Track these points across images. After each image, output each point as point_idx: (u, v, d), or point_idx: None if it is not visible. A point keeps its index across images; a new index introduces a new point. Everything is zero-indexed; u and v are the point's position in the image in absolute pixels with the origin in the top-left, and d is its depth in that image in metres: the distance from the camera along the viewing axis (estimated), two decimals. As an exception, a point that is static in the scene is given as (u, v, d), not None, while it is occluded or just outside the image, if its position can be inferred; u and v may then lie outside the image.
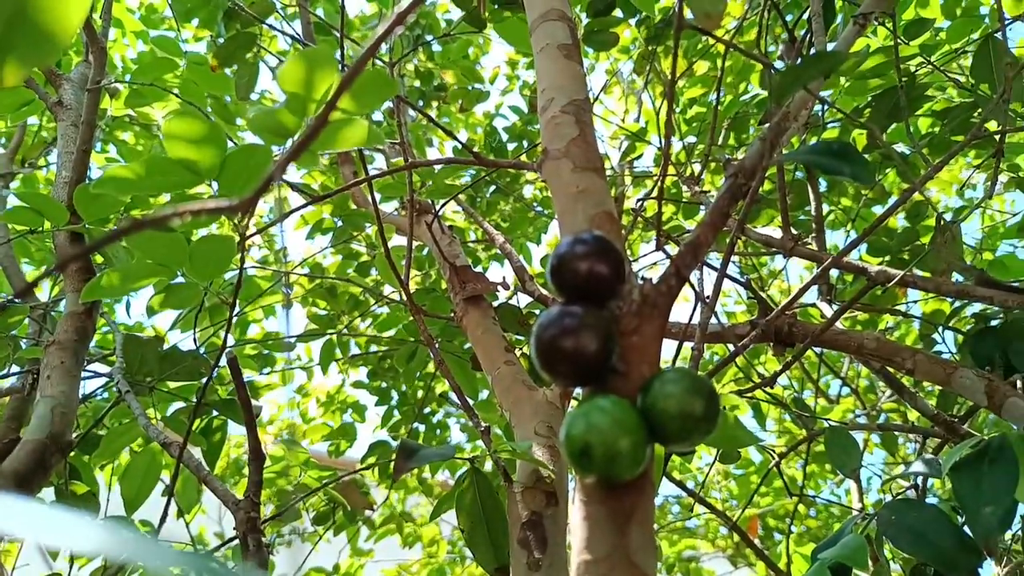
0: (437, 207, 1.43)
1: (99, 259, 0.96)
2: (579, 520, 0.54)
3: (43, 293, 1.59)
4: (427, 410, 2.02)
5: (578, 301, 0.32)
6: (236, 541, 0.70)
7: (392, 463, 0.75)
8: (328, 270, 2.05)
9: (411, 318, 1.79)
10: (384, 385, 2.04)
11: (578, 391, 0.52)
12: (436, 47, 2.16)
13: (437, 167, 1.63)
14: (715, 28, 0.53)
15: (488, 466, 1.10)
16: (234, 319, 0.72)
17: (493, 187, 2.07)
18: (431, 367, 1.93)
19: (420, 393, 2.00)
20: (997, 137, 0.93)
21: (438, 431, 2.13)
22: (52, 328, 1.10)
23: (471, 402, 1.09)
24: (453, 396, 1.94)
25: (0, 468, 0.68)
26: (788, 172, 1.30)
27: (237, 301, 0.68)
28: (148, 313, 0.82)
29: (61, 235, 0.85)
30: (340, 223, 1.81)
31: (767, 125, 0.99)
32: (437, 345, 1.03)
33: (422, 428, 2.04)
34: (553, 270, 0.31)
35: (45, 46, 0.21)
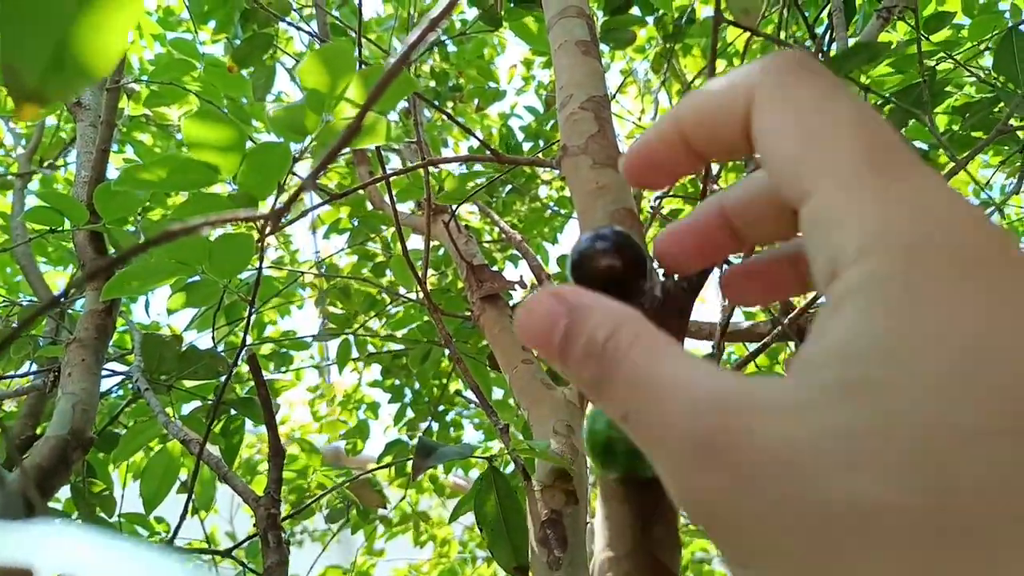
0: (453, 207, 1.43)
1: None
2: (602, 518, 0.53)
3: (58, 291, 1.60)
4: (440, 408, 2.02)
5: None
6: (255, 538, 0.70)
7: (409, 462, 0.74)
8: (343, 270, 2.05)
9: (426, 318, 1.79)
10: (397, 383, 2.05)
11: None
12: (451, 47, 2.16)
13: (454, 168, 1.63)
14: (753, 23, 0.53)
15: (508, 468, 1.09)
16: (251, 318, 0.72)
17: (509, 187, 2.07)
18: (444, 365, 1.93)
19: (435, 391, 2.01)
20: (1022, 133, 0.91)
21: (451, 429, 2.13)
22: (70, 327, 1.11)
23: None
24: (468, 394, 1.94)
25: (23, 464, 0.68)
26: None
27: (256, 299, 0.68)
28: (168, 312, 0.83)
29: (81, 234, 0.85)
30: (356, 223, 1.82)
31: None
32: (453, 343, 1.03)
33: (435, 427, 2.04)
34: (573, 266, 0.31)
35: (84, 80, 0.22)
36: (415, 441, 1.87)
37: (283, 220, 0.66)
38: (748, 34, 1.26)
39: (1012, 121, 0.91)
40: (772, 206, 0.23)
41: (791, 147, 0.19)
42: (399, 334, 1.88)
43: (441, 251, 1.87)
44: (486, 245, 2.05)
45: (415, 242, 1.97)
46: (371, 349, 2.01)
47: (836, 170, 0.17)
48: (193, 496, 0.75)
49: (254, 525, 0.66)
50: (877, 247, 0.16)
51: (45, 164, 1.70)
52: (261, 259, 0.65)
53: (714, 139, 0.22)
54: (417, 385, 2.03)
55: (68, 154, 1.83)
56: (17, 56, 0.20)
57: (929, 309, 0.15)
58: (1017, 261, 0.16)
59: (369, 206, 1.83)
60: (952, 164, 0.87)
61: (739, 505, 0.15)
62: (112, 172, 1.07)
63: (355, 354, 1.94)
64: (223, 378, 0.78)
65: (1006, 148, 1.35)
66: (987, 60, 1.35)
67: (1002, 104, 1.07)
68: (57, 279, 1.86)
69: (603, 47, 1.47)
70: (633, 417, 0.18)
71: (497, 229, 2.06)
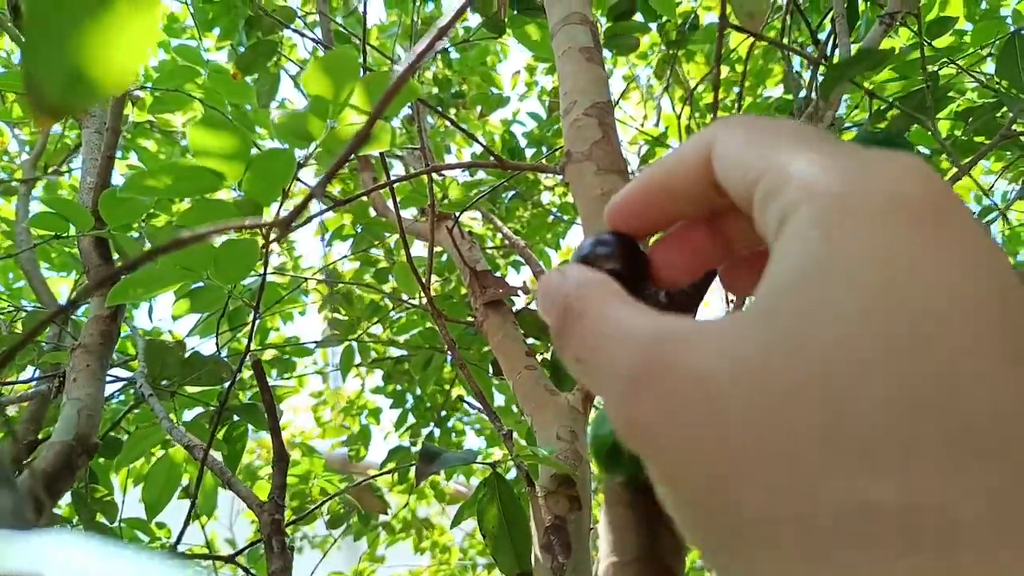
0: (457, 213, 1.43)
1: (122, 263, 0.97)
2: (607, 523, 0.53)
3: (62, 298, 1.61)
4: (443, 414, 2.02)
5: None
6: (257, 544, 0.70)
7: (412, 467, 0.74)
8: (345, 276, 2.06)
9: (428, 324, 1.79)
10: (399, 388, 2.05)
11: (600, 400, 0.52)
12: (454, 54, 2.17)
13: (457, 175, 1.63)
14: (758, 29, 0.53)
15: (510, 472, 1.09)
16: (254, 324, 0.72)
17: (512, 193, 2.08)
18: (447, 372, 1.93)
19: (437, 398, 2.00)
20: (1025, 138, 0.91)
21: (454, 435, 2.13)
22: (74, 332, 1.11)
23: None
24: (471, 400, 1.93)
25: (31, 468, 0.68)
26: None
27: (260, 304, 0.68)
28: (173, 318, 0.83)
29: (85, 240, 0.86)
30: (360, 230, 1.82)
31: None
32: (456, 348, 1.03)
33: (438, 433, 2.04)
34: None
35: (103, 95, 0.22)
36: (418, 447, 1.87)
37: (282, 235, 0.66)
38: (751, 40, 1.26)
39: (1015, 126, 0.91)
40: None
41: (742, 152, 0.20)
42: (401, 339, 1.88)
43: (444, 257, 1.87)
44: (489, 251, 2.05)
45: (418, 248, 1.97)
46: (374, 355, 2.01)
47: (781, 155, 0.19)
48: (196, 502, 0.75)
49: (257, 531, 0.65)
50: (813, 195, 0.17)
51: (50, 170, 1.70)
52: (265, 265, 0.65)
53: (681, 187, 0.24)
54: (419, 391, 2.03)
55: (73, 160, 1.84)
56: (39, 72, 0.21)
57: (848, 247, 0.16)
58: (946, 209, 0.17)
59: (372, 212, 1.83)
60: (955, 169, 0.87)
61: (667, 431, 0.17)
62: (117, 178, 1.07)
63: (358, 360, 1.94)
64: (226, 384, 0.78)
65: (1008, 154, 1.35)
66: (989, 66, 1.36)
67: (1005, 109, 1.08)
68: (60, 285, 1.86)
69: (606, 53, 1.47)
70: (583, 360, 0.20)
71: (500, 235, 2.07)
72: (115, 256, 0.91)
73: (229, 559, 0.78)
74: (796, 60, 1.53)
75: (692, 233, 0.26)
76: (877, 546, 0.14)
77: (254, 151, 0.62)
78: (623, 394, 0.18)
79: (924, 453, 0.14)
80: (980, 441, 0.14)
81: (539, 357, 1.18)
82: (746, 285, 0.28)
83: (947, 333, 0.15)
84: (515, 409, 1.78)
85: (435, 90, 2.17)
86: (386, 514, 1.48)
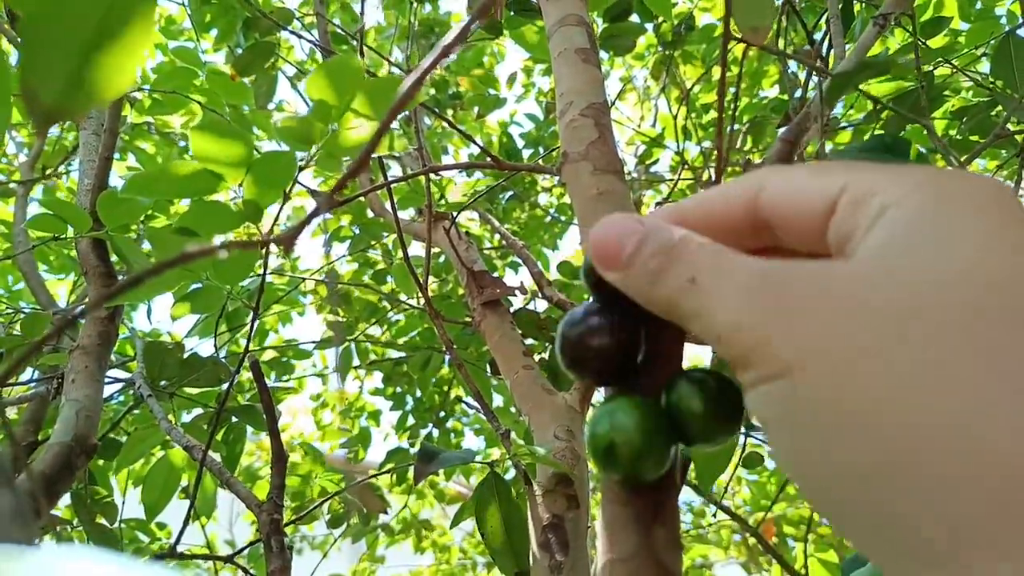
0: (454, 213, 1.43)
1: (120, 265, 0.97)
2: (604, 520, 0.53)
3: (61, 300, 1.61)
4: (441, 415, 2.02)
5: (612, 301, 0.32)
6: (256, 544, 0.70)
7: (410, 468, 0.75)
8: (343, 277, 2.06)
9: (426, 325, 1.80)
10: (399, 390, 2.05)
11: (600, 392, 0.52)
12: (451, 55, 2.17)
13: (455, 175, 1.63)
14: (761, 42, 0.53)
15: (509, 474, 1.10)
16: (253, 325, 0.72)
17: (509, 194, 2.08)
18: (445, 372, 1.93)
19: (436, 399, 2.01)
20: (1020, 138, 0.92)
21: (452, 436, 2.13)
22: (72, 334, 1.11)
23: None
24: (469, 401, 1.94)
25: (29, 469, 0.68)
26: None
27: (260, 304, 0.68)
28: (172, 319, 0.83)
29: (84, 242, 0.86)
30: (358, 231, 1.82)
31: (786, 128, 0.98)
32: (454, 349, 1.03)
33: (436, 433, 2.04)
34: (586, 273, 0.32)
35: (100, 100, 0.23)
36: (416, 448, 1.87)
37: (283, 228, 0.66)
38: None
39: (1009, 125, 0.91)
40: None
41: (811, 182, 0.23)
42: (400, 341, 1.88)
43: (442, 258, 1.87)
44: (486, 252, 2.05)
45: (416, 249, 1.97)
46: (372, 357, 2.01)
47: (853, 174, 0.22)
48: (195, 503, 0.75)
49: (256, 531, 0.66)
50: (904, 197, 0.20)
51: (48, 172, 1.70)
52: (265, 267, 0.65)
53: (724, 227, 0.25)
54: (419, 393, 2.03)
55: (71, 163, 1.84)
56: (36, 77, 0.21)
57: (952, 222, 0.19)
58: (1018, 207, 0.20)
59: (370, 213, 1.83)
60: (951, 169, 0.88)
61: (779, 330, 0.19)
62: (115, 180, 1.08)
63: (356, 362, 1.94)
64: (225, 385, 0.79)
65: (1003, 152, 1.36)
66: (985, 66, 1.36)
67: (1000, 108, 1.08)
68: (59, 288, 1.86)
69: (603, 54, 1.47)
70: (701, 278, 0.22)
71: (497, 236, 2.07)
72: (113, 258, 0.92)
73: (228, 559, 0.78)
74: (792, 61, 1.53)
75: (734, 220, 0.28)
76: None
77: (254, 154, 0.62)
78: (742, 301, 0.20)
79: None
80: None
81: (536, 357, 1.18)
82: None
83: None
84: (513, 410, 1.78)
85: (432, 91, 2.17)
86: (386, 513, 1.49)
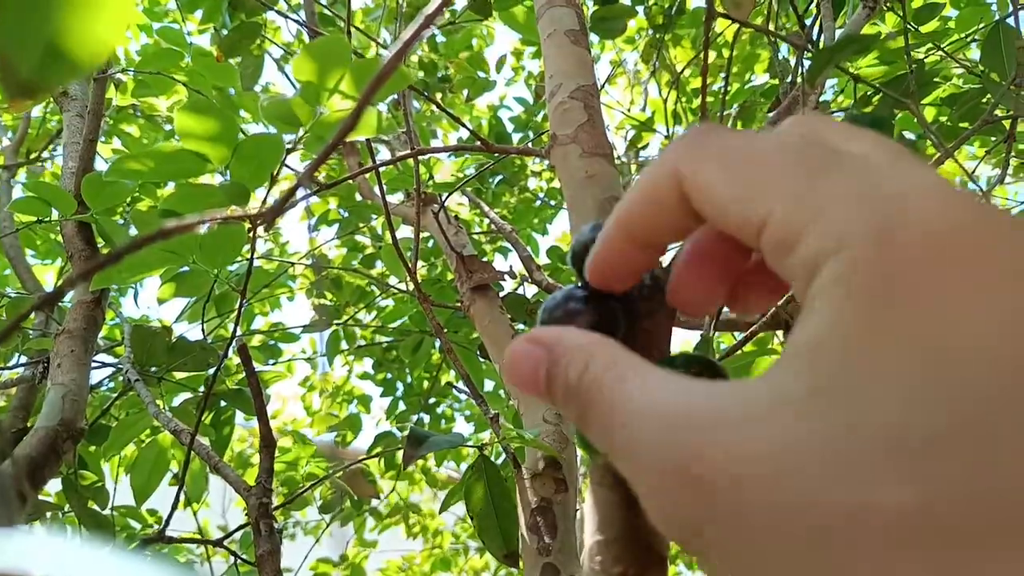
0: (443, 197, 1.43)
1: (106, 248, 0.96)
2: (591, 502, 0.54)
3: (48, 285, 1.60)
4: (432, 400, 2.03)
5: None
6: (247, 528, 0.70)
7: (399, 452, 0.75)
8: (333, 262, 2.05)
9: (416, 308, 1.79)
10: (389, 376, 2.05)
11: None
12: (440, 37, 2.15)
13: (444, 159, 1.62)
14: (745, 17, 0.53)
15: (499, 458, 1.10)
16: (240, 309, 0.72)
17: (498, 178, 2.07)
18: (436, 358, 1.93)
19: (425, 384, 2.01)
20: (1007, 123, 0.92)
21: (443, 422, 2.13)
22: (59, 318, 1.10)
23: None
24: (460, 386, 1.94)
25: (13, 455, 0.68)
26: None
27: (247, 288, 0.68)
28: (158, 303, 0.82)
29: (69, 225, 0.85)
30: (346, 214, 1.81)
31: (775, 112, 0.98)
32: (444, 333, 1.03)
33: (427, 419, 2.05)
34: (575, 256, 0.32)
35: (78, 72, 0.22)
36: (405, 433, 1.87)
37: (269, 227, 0.65)
38: (737, 25, 1.26)
39: (997, 111, 0.92)
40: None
41: (731, 190, 0.18)
42: (391, 327, 1.88)
43: (431, 243, 1.87)
44: (475, 236, 2.05)
45: (404, 232, 1.96)
46: (361, 342, 2.01)
47: (781, 191, 0.17)
48: (184, 487, 0.75)
49: (246, 515, 0.66)
50: (845, 240, 0.16)
51: (32, 156, 1.68)
52: (252, 251, 0.65)
53: (656, 226, 0.22)
54: (409, 379, 2.03)
55: (56, 146, 1.82)
56: (10, 48, 0.20)
57: (899, 301, 0.14)
58: (995, 231, 0.15)
59: (358, 197, 1.82)
60: (939, 154, 0.88)
61: (720, 524, 0.15)
62: (100, 164, 1.06)
63: (345, 346, 1.94)
64: (213, 370, 0.79)
65: (993, 139, 1.36)
66: (975, 52, 1.36)
67: (989, 95, 1.08)
68: (45, 273, 1.84)
69: (592, 37, 1.47)
70: (614, 450, 0.18)
71: (486, 220, 2.06)
72: (99, 242, 0.91)
73: (217, 543, 0.78)
74: (784, 45, 1.53)
75: (703, 248, 0.23)
76: None
77: (240, 136, 0.62)
78: (665, 489, 0.16)
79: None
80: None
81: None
82: (751, 302, 0.26)
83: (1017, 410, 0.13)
84: (503, 394, 1.79)
85: (421, 74, 2.15)
86: (378, 499, 1.49)
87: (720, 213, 0.19)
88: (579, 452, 0.90)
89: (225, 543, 0.79)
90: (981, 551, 0.13)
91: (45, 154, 1.79)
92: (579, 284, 0.34)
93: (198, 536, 1.38)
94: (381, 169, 1.01)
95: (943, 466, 0.13)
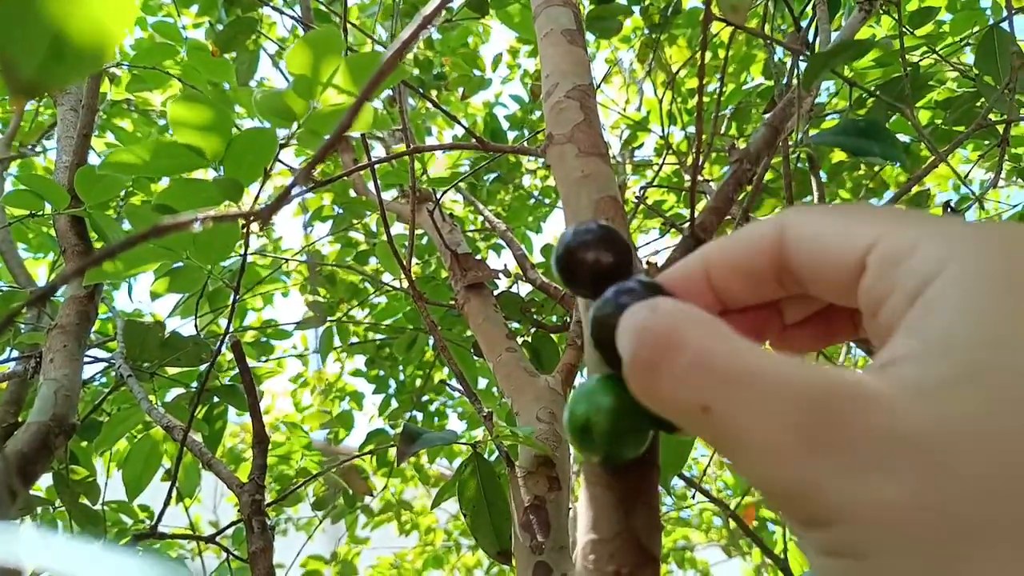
0: (438, 195, 1.43)
1: (99, 243, 0.96)
2: (585, 501, 0.54)
3: (40, 280, 1.59)
4: (425, 398, 2.03)
5: (584, 290, 0.31)
6: (239, 524, 0.70)
7: (392, 449, 0.75)
8: (327, 258, 2.05)
9: (411, 306, 1.79)
10: (381, 373, 2.04)
11: (583, 374, 0.52)
12: (436, 35, 2.15)
13: (439, 157, 1.62)
14: (742, 21, 0.53)
15: (492, 456, 1.10)
16: (234, 305, 0.71)
17: (493, 176, 2.07)
18: (429, 356, 1.93)
19: (418, 382, 2.01)
20: (1001, 128, 0.93)
21: (436, 419, 2.13)
22: (51, 313, 1.10)
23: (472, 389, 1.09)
24: (453, 383, 1.94)
25: (4, 450, 0.67)
26: (791, 162, 1.30)
27: (241, 285, 0.67)
28: (151, 298, 0.82)
29: (62, 220, 0.84)
30: (340, 211, 1.81)
31: (770, 114, 0.98)
32: (438, 330, 1.03)
33: (420, 416, 2.05)
34: (560, 260, 0.31)
35: (82, 71, 0.22)
36: (398, 430, 1.87)
37: (270, 212, 0.65)
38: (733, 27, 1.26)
39: (991, 116, 0.92)
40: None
41: (835, 228, 0.20)
42: (384, 324, 1.88)
43: (425, 240, 1.87)
44: (469, 234, 2.05)
45: (398, 229, 1.96)
46: (354, 340, 2.01)
47: (887, 221, 0.19)
48: (176, 483, 0.75)
49: (238, 511, 0.66)
50: (958, 254, 0.17)
51: (23, 148, 1.67)
52: (246, 247, 0.65)
53: (741, 272, 0.23)
54: (403, 377, 2.03)
55: (49, 139, 1.81)
56: (13, 48, 0.20)
57: (1019, 291, 0.16)
58: None
59: (352, 194, 1.82)
60: (933, 158, 0.89)
61: (855, 491, 0.15)
62: (93, 159, 1.06)
63: (338, 343, 1.94)
64: (206, 365, 0.78)
65: (987, 143, 1.37)
66: (970, 58, 1.37)
67: (983, 99, 1.09)
68: (37, 267, 1.84)
69: (588, 36, 1.47)
70: (719, 409, 0.18)
71: (481, 218, 2.06)
72: (93, 236, 0.90)
73: (210, 539, 0.78)
74: (780, 49, 1.53)
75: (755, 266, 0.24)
76: None
77: (234, 132, 0.61)
78: (789, 453, 0.16)
79: None
80: None
81: (519, 340, 1.19)
82: (797, 343, 0.27)
83: None
84: (496, 392, 1.79)
85: (416, 71, 2.15)
86: (371, 495, 1.49)
87: (820, 248, 0.20)
88: (572, 451, 0.90)
89: (217, 539, 0.79)
90: None
91: (37, 148, 1.78)
92: (568, 290, 0.33)
93: (190, 532, 1.37)
94: (376, 166, 1.01)
95: None
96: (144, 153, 0.57)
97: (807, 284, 0.21)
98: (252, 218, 0.38)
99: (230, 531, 1.15)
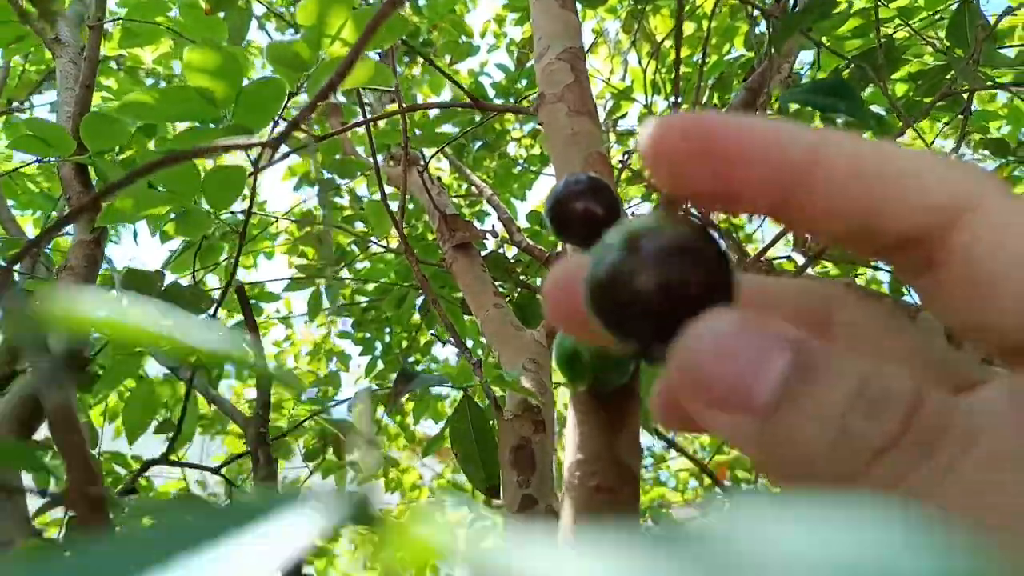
0: (426, 156, 1.46)
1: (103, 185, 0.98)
2: (572, 426, 0.59)
3: (29, 235, 1.60)
4: (411, 360, 2.07)
5: (575, 239, 0.34)
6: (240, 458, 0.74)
7: (388, 392, 0.79)
8: (317, 220, 2.07)
9: (401, 263, 1.83)
10: (368, 336, 2.08)
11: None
12: (422, 1, 2.16)
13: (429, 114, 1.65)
14: None
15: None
16: (240, 250, 0.75)
17: (479, 143, 2.10)
18: (415, 319, 1.97)
19: (404, 344, 2.05)
20: (965, 96, 0.97)
21: (421, 382, 2.17)
22: (47, 262, 1.12)
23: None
24: (441, 343, 1.98)
25: (24, 382, 0.71)
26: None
27: (247, 230, 0.71)
28: (161, 239, 0.85)
29: (66, 167, 0.87)
30: (328, 175, 1.83)
31: (748, 79, 1.03)
32: (429, 284, 1.07)
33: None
34: (549, 210, 0.34)
35: None
36: (385, 390, 1.91)
37: (272, 156, 0.69)
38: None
39: (956, 86, 0.97)
40: None
41: (918, 164, 0.17)
42: (370, 287, 1.91)
43: (411, 205, 1.90)
44: (455, 200, 2.08)
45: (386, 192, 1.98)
46: (341, 302, 2.04)
47: (984, 182, 0.16)
48: (182, 423, 0.79)
49: (245, 443, 0.70)
50: None
51: (14, 105, 1.67)
52: (253, 192, 0.68)
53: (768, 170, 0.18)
54: (388, 339, 2.07)
55: (38, 95, 1.80)
56: None
57: None
58: None
59: (337, 157, 1.84)
60: (902, 125, 0.93)
61: None
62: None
63: (326, 304, 1.97)
64: (211, 310, 0.82)
65: (962, 116, 1.42)
66: (943, 30, 1.41)
67: (953, 72, 1.14)
68: (25, 224, 1.84)
69: (576, 6, 1.49)
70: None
71: (465, 186, 2.09)
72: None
73: (215, 471, 0.82)
74: (762, 20, 1.56)
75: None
76: None
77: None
78: None
79: None
80: None
81: (506, 300, 1.23)
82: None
83: None
84: (480, 353, 1.83)
85: (404, 38, 2.16)
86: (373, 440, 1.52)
87: (896, 173, 0.17)
88: (558, 397, 0.95)
89: (220, 471, 0.83)
90: None
91: (25, 104, 1.77)
92: (560, 239, 0.36)
93: (182, 483, 1.41)
94: (369, 124, 1.03)
95: None
96: (157, 96, 0.59)
97: (836, 207, 0.17)
98: (264, 147, 0.42)
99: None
